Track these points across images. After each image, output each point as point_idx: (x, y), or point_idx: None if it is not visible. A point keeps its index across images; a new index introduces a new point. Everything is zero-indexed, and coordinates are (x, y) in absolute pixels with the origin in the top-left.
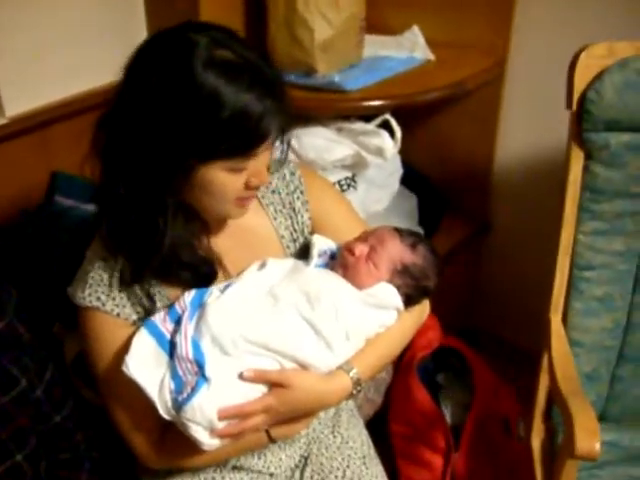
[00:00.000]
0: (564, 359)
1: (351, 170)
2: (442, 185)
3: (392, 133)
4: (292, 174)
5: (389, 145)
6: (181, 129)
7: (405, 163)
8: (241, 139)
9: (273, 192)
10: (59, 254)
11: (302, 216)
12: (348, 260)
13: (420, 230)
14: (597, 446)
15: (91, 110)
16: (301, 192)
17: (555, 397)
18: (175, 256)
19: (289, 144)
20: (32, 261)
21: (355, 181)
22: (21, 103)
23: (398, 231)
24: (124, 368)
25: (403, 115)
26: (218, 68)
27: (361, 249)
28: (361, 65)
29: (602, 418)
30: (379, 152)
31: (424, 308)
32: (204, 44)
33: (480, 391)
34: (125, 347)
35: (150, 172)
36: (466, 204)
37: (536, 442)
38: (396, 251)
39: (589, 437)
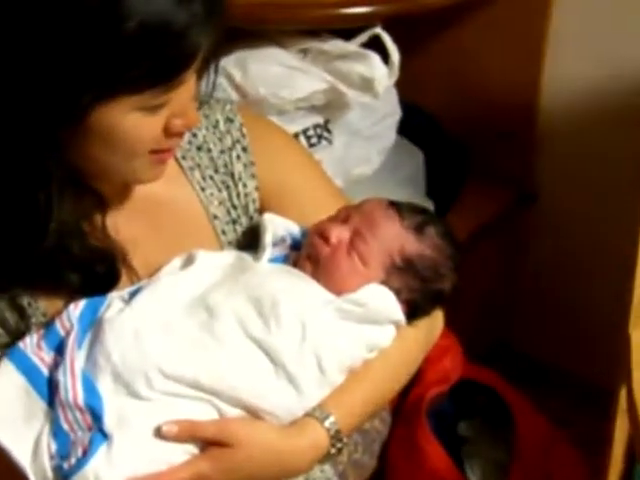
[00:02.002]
0: None
1: (323, 114)
2: (462, 135)
3: (385, 56)
4: (229, 121)
5: (381, 74)
6: (67, 52)
7: (405, 102)
8: (157, 61)
9: (199, 149)
10: None
11: (245, 185)
12: (320, 251)
13: (429, 203)
14: None
15: None
16: (243, 148)
17: (638, 447)
18: (62, 250)
19: (217, 70)
20: None
21: (329, 130)
22: None
23: (395, 206)
24: None
25: (401, 29)
26: None
27: (340, 234)
28: None
29: None
30: (366, 85)
31: (435, 321)
32: None
33: (524, 447)
34: None
35: (22, 121)
36: (498, 163)
37: None
38: (394, 237)
39: None
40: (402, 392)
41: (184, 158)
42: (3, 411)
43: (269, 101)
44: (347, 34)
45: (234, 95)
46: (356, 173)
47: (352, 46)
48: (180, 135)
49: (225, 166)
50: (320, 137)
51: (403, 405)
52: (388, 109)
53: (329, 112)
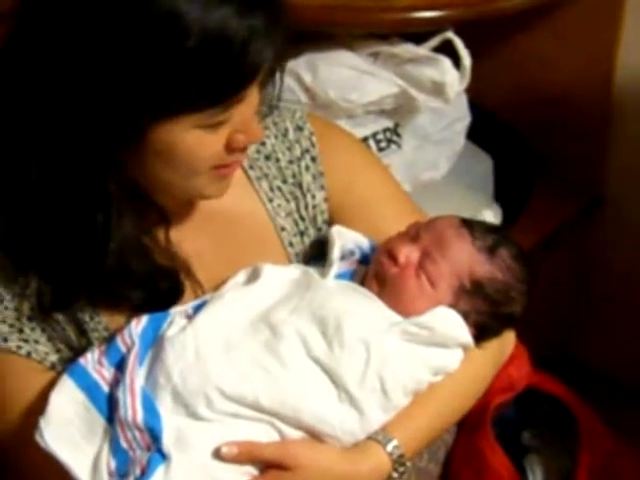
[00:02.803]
0: None
1: (393, 118)
2: (532, 139)
3: (456, 60)
4: (298, 129)
5: (452, 78)
6: (127, 70)
7: (474, 106)
8: (217, 79)
9: (267, 158)
10: None
11: (314, 196)
12: (388, 270)
13: (497, 209)
14: None
15: None
16: (312, 158)
17: None
18: (123, 267)
19: (283, 77)
20: None
21: (399, 135)
22: None
23: (467, 225)
24: (38, 437)
25: (469, 33)
26: None
27: (409, 254)
28: None
29: None
30: (437, 89)
31: (505, 342)
32: None
33: (588, 457)
34: (39, 404)
35: (80, 141)
36: (566, 168)
37: None
38: (464, 258)
39: None
40: None
41: (252, 168)
42: (63, 427)
43: (339, 104)
44: (418, 38)
45: (303, 98)
46: (425, 178)
47: (423, 50)
48: (243, 150)
49: (293, 176)
50: (389, 141)
51: (468, 413)
52: (457, 114)
53: (399, 116)
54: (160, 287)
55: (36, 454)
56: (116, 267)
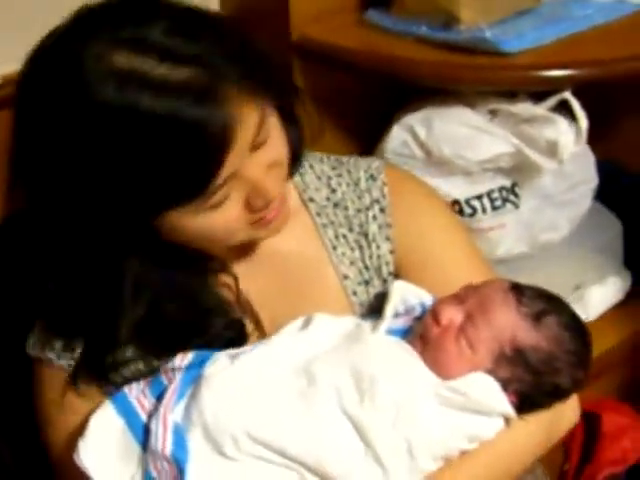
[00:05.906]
0: None
1: (511, 177)
2: None
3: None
4: (371, 179)
5: (567, 139)
6: (115, 179)
7: (605, 167)
8: (185, 169)
9: (336, 206)
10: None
11: (379, 247)
12: (430, 331)
13: (626, 274)
14: None
15: None
16: (381, 209)
17: None
18: (179, 315)
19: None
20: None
21: (516, 194)
22: None
23: (517, 290)
24: (75, 457)
25: (602, 92)
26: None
27: (452, 316)
28: (538, 12)
29: None
30: (551, 150)
31: (562, 416)
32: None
33: None
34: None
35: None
36: None
37: None
38: (506, 324)
39: None
40: (575, 469)
41: (319, 215)
42: (100, 450)
43: (453, 161)
44: (538, 97)
45: (418, 153)
46: (543, 239)
47: (540, 109)
48: (265, 207)
49: (360, 225)
50: (505, 200)
51: None
52: (583, 176)
53: (517, 175)
54: (222, 334)
55: (78, 471)
56: (173, 315)
